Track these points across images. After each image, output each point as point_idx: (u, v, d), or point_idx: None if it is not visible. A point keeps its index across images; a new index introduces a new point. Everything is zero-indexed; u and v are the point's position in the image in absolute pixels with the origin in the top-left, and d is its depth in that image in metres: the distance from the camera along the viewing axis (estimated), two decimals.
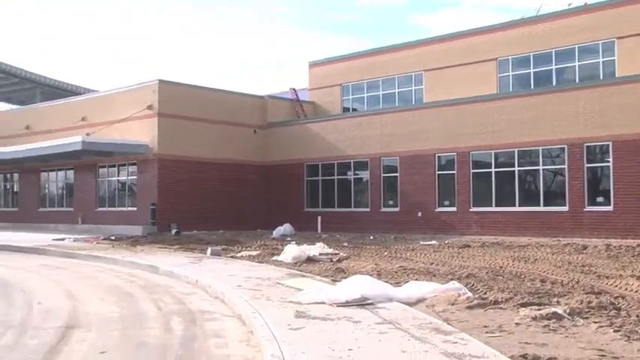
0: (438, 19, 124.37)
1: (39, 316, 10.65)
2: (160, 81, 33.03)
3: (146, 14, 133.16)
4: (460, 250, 20.92)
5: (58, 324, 9.94)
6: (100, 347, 8.46)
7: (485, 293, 11.15)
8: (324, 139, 34.45)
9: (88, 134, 33.36)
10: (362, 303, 10.23)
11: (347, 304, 10.15)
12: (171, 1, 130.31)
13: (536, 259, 17.53)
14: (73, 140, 32.26)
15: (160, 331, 9.54)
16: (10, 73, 53.49)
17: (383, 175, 32.24)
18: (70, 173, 38.34)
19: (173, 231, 30.60)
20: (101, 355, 8.08)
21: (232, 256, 19.44)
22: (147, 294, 13.19)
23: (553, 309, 9.29)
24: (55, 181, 40.01)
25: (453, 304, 10.20)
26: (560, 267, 15.59)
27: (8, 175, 43.41)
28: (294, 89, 40.65)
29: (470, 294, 10.85)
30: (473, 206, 28.89)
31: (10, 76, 54.17)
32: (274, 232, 29.40)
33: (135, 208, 33.72)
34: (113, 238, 27.61)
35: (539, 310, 9.36)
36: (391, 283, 12.16)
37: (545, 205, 27.04)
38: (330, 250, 19.46)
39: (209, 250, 20.23)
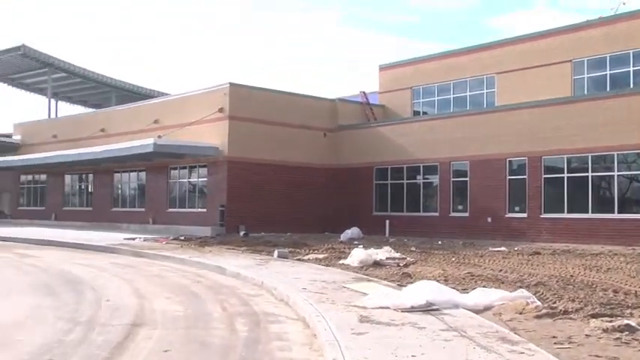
0: (511, 21, 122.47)
1: (107, 313, 10.83)
2: (231, 84, 33.39)
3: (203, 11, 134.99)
4: (530, 257, 20.45)
5: (125, 321, 10.10)
6: (165, 345, 8.53)
7: (555, 303, 10.82)
8: (394, 143, 34.22)
9: (159, 136, 33.95)
10: (427, 309, 10.06)
11: (412, 309, 10.00)
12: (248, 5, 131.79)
13: (609, 268, 16.98)
14: (145, 142, 32.91)
15: (224, 331, 9.58)
16: (86, 77, 54.97)
17: (452, 179, 31.83)
18: (143, 174, 39.12)
19: (241, 232, 30.87)
20: (165, 354, 8.15)
21: (299, 259, 19.45)
22: (213, 294, 13.27)
23: (626, 321, 8.94)
24: (127, 182, 40.89)
25: (520, 313, 9.94)
26: (634, 277, 15.03)
27: (84, 176, 44.57)
28: (364, 92, 40.56)
29: (539, 303, 10.55)
30: (544, 212, 28.23)
31: (87, 80, 55.67)
32: (342, 236, 29.33)
33: (204, 210, 34.17)
34: (182, 238, 28.00)
35: (610, 321, 9.03)
36: (458, 290, 11.95)
37: (619, 212, 26.20)
38: (397, 255, 19.28)
39: (276, 253, 20.29)
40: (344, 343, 7.80)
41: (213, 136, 33.31)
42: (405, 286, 12.67)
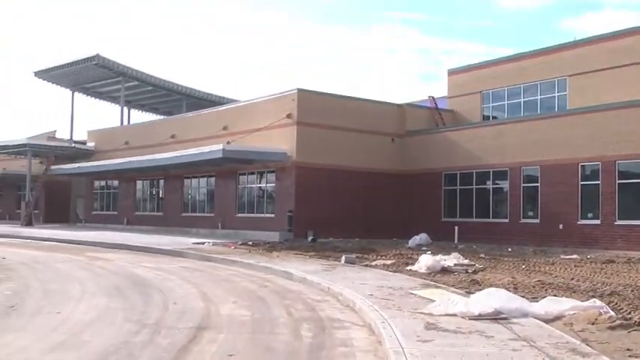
0: (579, 24, 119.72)
1: (173, 316, 10.95)
2: (299, 90, 33.51)
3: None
4: (603, 265, 19.83)
5: (191, 324, 10.18)
6: (229, 349, 8.56)
7: (630, 313, 10.42)
8: (463, 148, 33.77)
9: (228, 142, 34.32)
10: (495, 317, 9.82)
11: (480, 317, 9.78)
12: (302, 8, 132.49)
13: None
14: (214, 148, 33.29)
15: (288, 337, 9.55)
16: (158, 85, 56.02)
17: (523, 185, 31.18)
18: (212, 180, 39.60)
19: (309, 238, 30.91)
20: (229, 358, 8.16)
21: (366, 265, 19.34)
22: (279, 299, 13.29)
23: None
24: (197, 187, 41.46)
25: (593, 324, 9.59)
26: None
27: (155, 182, 45.41)
28: (432, 97, 40.19)
29: (612, 313, 10.16)
30: (618, 219, 27.35)
31: (158, 88, 56.74)
32: (410, 242, 29.07)
33: (272, 215, 34.36)
34: (250, 243, 28.19)
35: None
36: (527, 298, 11.63)
37: None
38: (466, 262, 18.96)
39: (343, 258, 20.21)
40: (409, 351, 7.67)
41: (281, 141, 33.50)
42: (473, 293, 12.41)
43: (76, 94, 59.63)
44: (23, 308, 11.76)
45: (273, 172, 34.79)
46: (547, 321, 9.82)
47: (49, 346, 8.71)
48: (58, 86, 58.99)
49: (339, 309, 12.06)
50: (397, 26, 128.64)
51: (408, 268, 18.03)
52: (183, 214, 41.43)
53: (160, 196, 44.86)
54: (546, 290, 13.32)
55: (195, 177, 40.97)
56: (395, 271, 17.48)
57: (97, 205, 50.90)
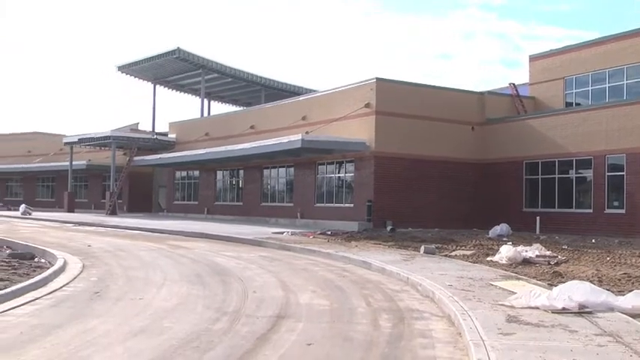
0: None
1: (253, 305, 11.05)
2: (378, 79, 33.32)
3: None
4: None
5: (270, 313, 10.26)
6: (308, 338, 8.58)
7: None
8: (545, 136, 32.94)
9: (307, 132, 34.45)
10: (579, 311, 9.54)
11: (563, 311, 9.51)
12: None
13: None
14: (293, 138, 33.47)
15: (367, 326, 9.51)
16: (237, 77, 56.64)
17: (607, 174, 30.20)
18: (291, 170, 39.86)
19: (388, 228, 30.74)
20: (307, 347, 8.18)
21: (446, 255, 19.14)
22: (358, 289, 13.26)
23: None
24: (276, 177, 41.79)
25: None
26: None
27: (234, 172, 45.99)
28: (513, 84, 39.36)
29: None
30: None
31: (238, 80, 57.38)
32: (490, 232, 28.57)
33: (351, 205, 34.34)
34: (329, 233, 28.23)
35: None
36: (613, 292, 11.25)
37: None
38: (548, 253, 18.50)
39: (422, 248, 20.03)
40: (490, 343, 7.52)
41: (359, 131, 33.41)
42: (555, 285, 12.06)
43: (157, 86, 60.92)
44: (107, 294, 12.09)
45: (351, 161, 34.75)
46: (634, 316, 9.47)
47: (132, 330, 8.93)
48: (141, 80, 60.40)
49: (418, 299, 11.96)
50: (475, 11, 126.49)
51: (488, 258, 17.75)
52: (263, 204, 41.84)
53: (240, 186, 45.42)
54: (633, 283, 12.88)
55: (275, 167, 41.30)
56: (475, 262, 17.24)
57: (179, 195, 51.93)
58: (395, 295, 12.51)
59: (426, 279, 13.35)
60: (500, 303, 10.33)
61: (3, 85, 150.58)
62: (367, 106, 33.16)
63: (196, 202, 48.69)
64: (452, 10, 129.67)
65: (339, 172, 36.24)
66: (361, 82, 34.39)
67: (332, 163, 36.46)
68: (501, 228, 28.94)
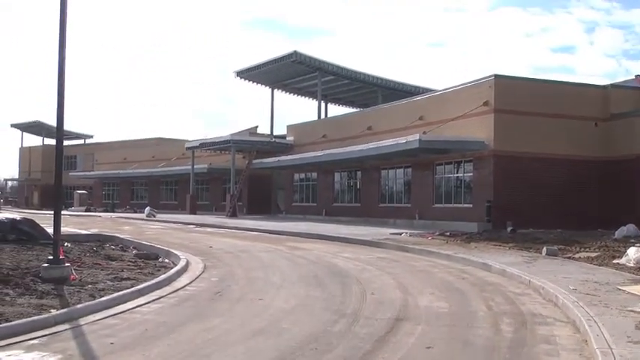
0: None
1: (371, 307, 11.02)
2: (496, 76, 32.63)
3: None
4: None
5: (388, 315, 10.20)
6: (427, 342, 8.47)
7: None
8: None
9: (424, 132, 34.15)
10: None
11: None
12: None
13: None
14: (410, 139, 33.26)
15: (488, 331, 9.30)
16: (353, 78, 56.77)
17: None
18: (408, 171, 39.63)
19: (508, 229, 30.00)
20: (427, 350, 8.09)
21: (569, 257, 18.47)
22: (477, 292, 13.03)
23: None
24: (393, 178, 41.65)
25: None
26: None
27: (352, 173, 46.17)
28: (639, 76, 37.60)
29: None
30: None
31: (354, 82, 57.56)
32: (616, 233, 27.30)
33: (470, 205, 33.80)
34: (448, 234, 27.87)
35: None
36: None
37: None
38: None
39: (544, 250, 19.44)
40: (618, 352, 7.18)
41: (478, 130, 32.82)
42: None
43: (275, 90, 61.96)
44: (228, 294, 12.38)
45: (470, 161, 34.20)
46: None
47: (251, 331, 9.10)
48: (258, 84, 61.58)
49: (540, 303, 11.60)
50: (597, 2, 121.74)
51: (615, 261, 16.98)
52: (381, 205, 41.80)
53: (358, 187, 45.54)
54: None
55: (392, 168, 41.18)
56: (600, 265, 16.53)
57: (297, 196, 52.64)
58: (516, 298, 12.20)
59: (549, 282, 12.93)
60: (629, 309, 9.86)
61: (125, 94, 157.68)
62: (486, 104, 32.53)
63: (315, 204, 49.20)
64: (574, 1, 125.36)
65: (457, 172, 35.74)
66: (479, 79, 33.80)
67: (450, 163, 36.00)
68: (628, 229, 27.59)
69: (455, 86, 36.16)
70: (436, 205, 36.56)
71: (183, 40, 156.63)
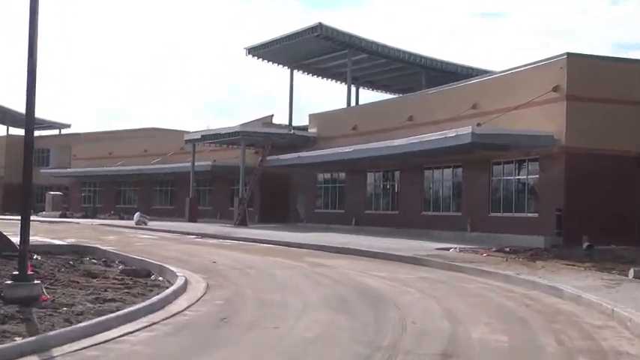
0: None
1: (412, 339, 10.92)
2: (569, 54, 32.42)
3: None
4: None
5: (434, 350, 10.10)
6: None
7: None
8: None
9: (478, 124, 33.95)
10: None
11: None
12: None
13: None
14: (461, 132, 33.14)
15: None
16: (391, 57, 56.70)
17: None
18: (458, 171, 39.58)
19: (584, 244, 29.66)
20: None
21: None
22: (545, 322, 12.90)
23: None
24: (440, 180, 41.57)
25: None
26: None
27: (388, 174, 46.08)
28: None
29: None
30: None
31: (392, 61, 57.42)
32: None
33: (536, 214, 33.60)
34: (507, 250, 27.70)
35: None
36: None
37: None
38: None
39: (631, 272, 19.19)
40: None
41: (545, 121, 32.58)
42: None
43: (294, 72, 61.99)
44: (236, 320, 12.30)
45: (535, 160, 34.08)
46: None
47: None
48: (274, 64, 61.69)
49: (627, 339, 11.42)
50: None
51: None
52: (423, 213, 41.71)
53: (395, 190, 45.48)
54: None
55: (438, 168, 41.12)
56: None
57: (321, 201, 52.68)
58: (595, 332, 12.04)
59: (638, 313, 12.72)
60: None
61: (116, 78, 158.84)
62: (555, 89, 32.29)
63: (342, 211, 49.21)
64: None
65: (519, 174, 35.60)
66: (547, 59, 33.72)
67: (510, 162, 35.85)
68: None
69: (516, 67, 36.04)
70: (493, 214, 36.42)
71: (184, 11, 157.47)
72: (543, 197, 33.38)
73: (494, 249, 28.08)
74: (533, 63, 34.63)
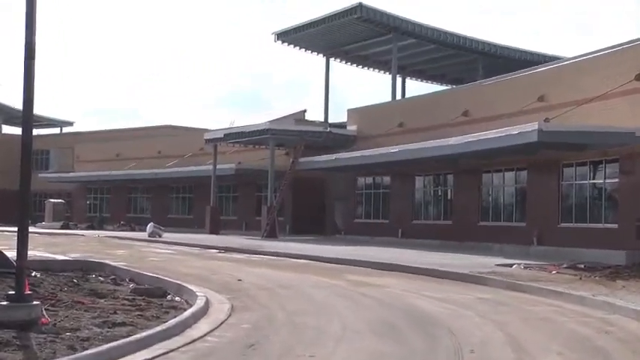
0: None
1: None
2: None
3: None
4: None
5: None
6: None
7: None
8: None
9: (546, 120, 33.73)
10: None
11: None
12: None
13: None
14: (524, 129, 32.92)
15: None
16: (444, 42, 56.59)
17: None
18: (522, 175, 39.38)
19: None
20: None
21: None
22: (629, 353, 12.82)
23: None
24: (500, 185, 41.38)
25: None
26: None
27: (440, 178, 45.94)
28: None
29: None
30: None
31: (444, 47, 57.24)
32: None
33: (615, 225, 33.33)
34: (582, 266, 27.54)
35: None
36: None
37: None
38: None
39: None
40: None
41: (625, 116, 32.34)
42: None
43: (330, 60, 61.99)
44: (266, 348, 12.28)
45: (614, 161, 33.84)
46: None
47: None
48: (307, 51, 61.71)
49: None
50: None
51: None
52: (482, 224, 41.57)
53: (448, 197, 45.37)
54: None
55: (499, 170, 41.02)
56: None
57: (361, 210, 52.62)
58: None
59: None
60: None
61: (118, 75, 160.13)
62: (638, 78, 31.96)
63: (386, 221, 49.19)
64: None
65: (594, 177, 35.38)
66: (627, 43, 33.48)
67: (584, 164, 35.59)
68: None
69: (590, 53, 35.86)
70: (563, 225, 36.21)
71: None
72: (624, 205, 33.08)
73: (564, 265, 27.90)
74: (610, 47, 34.43)
